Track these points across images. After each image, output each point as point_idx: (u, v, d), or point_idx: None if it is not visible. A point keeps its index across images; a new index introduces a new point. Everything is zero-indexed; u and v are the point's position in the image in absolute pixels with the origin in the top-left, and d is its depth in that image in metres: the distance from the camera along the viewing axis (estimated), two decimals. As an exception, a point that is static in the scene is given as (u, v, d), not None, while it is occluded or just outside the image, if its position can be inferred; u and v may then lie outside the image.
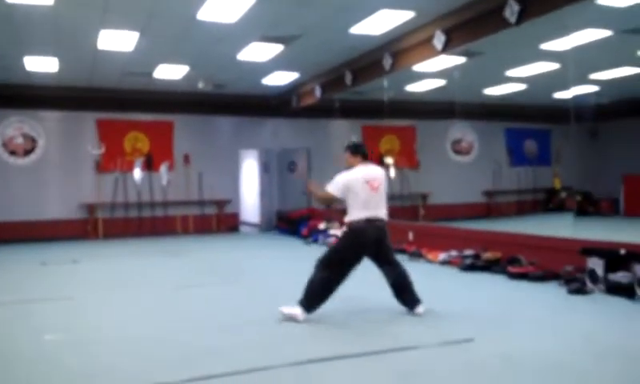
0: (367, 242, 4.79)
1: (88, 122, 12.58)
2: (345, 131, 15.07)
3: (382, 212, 4.87)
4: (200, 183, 13.52)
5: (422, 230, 9.55)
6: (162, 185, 13.01)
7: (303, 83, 12.30)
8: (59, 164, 12.33)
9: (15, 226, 11.75)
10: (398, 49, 8.96)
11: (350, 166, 4.98)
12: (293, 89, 12.84)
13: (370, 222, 4.76)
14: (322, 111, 13.64)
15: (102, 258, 9.51)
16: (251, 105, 13.87)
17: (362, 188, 4.78)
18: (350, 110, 13.89)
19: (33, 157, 12.12)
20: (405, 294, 4.96)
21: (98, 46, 8.82)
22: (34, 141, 12.14)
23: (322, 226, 11.27)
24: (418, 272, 7.24)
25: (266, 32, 8.49)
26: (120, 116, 12.81)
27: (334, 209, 13.63)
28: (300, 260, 8.90)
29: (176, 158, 13.34)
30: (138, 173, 12.77)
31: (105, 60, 9.78)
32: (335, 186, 4.86)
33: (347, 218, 4.85)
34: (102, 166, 12.61)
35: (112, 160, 12.70)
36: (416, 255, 8.32)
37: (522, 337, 4.23)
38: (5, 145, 11.90)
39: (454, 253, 7.79)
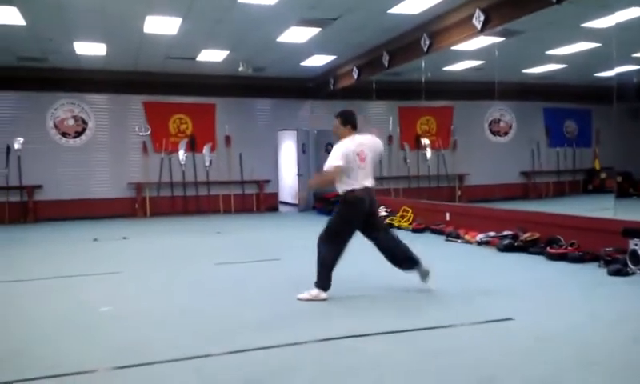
0: (363, 211, 4.90)
1: (135, 104, 13.09)
2: (382, 112, 15.17)
3: (370, 181, 4.99)
4: (241, 164, 13.90)
5: (460, 211, 9.63)
6: (205, 165, 13.46)
7: (340, 65, 12.42)
8: (108, 145, 12.91)
9: (68, 204, 12.42)
10: (436, 29, 8.97)
11: (338, 135, 5.01)
12: (330, 71, 12.98)
13: (364, 191, 4.88)
14: (359, 93, 13.69)
15: (149, 235, 9.99)
16: (289, 87, 14.11)
17: (354, 159, 4.87)
18: (387, 91, 13.91)
19: (83, 138, 12.74)
20: (399, 254, 5.09)
21: (144, 31, 9.17)
22: (84, 122, 12.74)
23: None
24: (455, 252, 7.43)
25: (304, 14, 8.64)
26: (165, 99, 13.26)
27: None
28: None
29: (218, 140, 13.76)
30: (182, 153, 13.25)
31: (150, 44, 10.15)
32: (335, 158, 4.84)
33: (342, 189, 4.90)
34: (148, 147, 13.13)
35: (158, 141, 13.21)
36: (453, 236, 8.43)
37: (560, 317, 4.24)
38: (57, 127, 12.52)
39: (491, 233, 7.84)
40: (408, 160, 15.11)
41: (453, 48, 9.76)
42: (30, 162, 12.06)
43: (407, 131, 15.34)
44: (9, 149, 11.87)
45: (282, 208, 14.80)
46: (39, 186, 12.26)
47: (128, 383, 3.21)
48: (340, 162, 4.80)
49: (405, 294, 5.09)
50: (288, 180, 15.45)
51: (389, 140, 15.13)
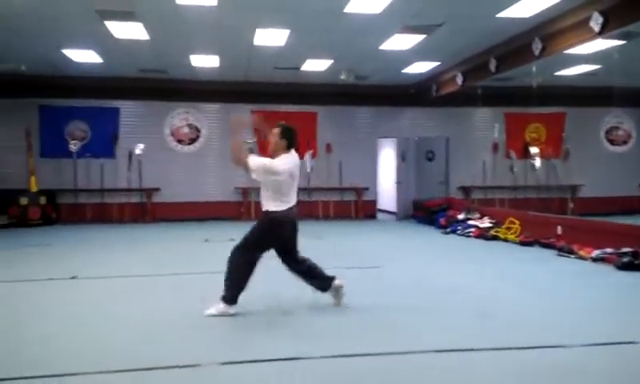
0: (284, 233, 4.73)
1: (243, 113, 13.69)
2: (487, 119, 14.68)
3: (295, 201, 4.82)
4: (340, 171, 14.10)
5: (573, 224, 9.03)
6: (306, 172, 13.81)
7: (444, 71, 12.19)
8: (218, 151, 13.66)
9: (182, 206, 13.34)
10: (549, 32, 8.54)
11: (273, 145, 4.73)
12: (432, 77, 12.79)
13: (290, 212, 4.71)
14: (463, 99, 13.40)
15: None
16: (390, 94, 14.09)
17: (292, 176, 4.68)
18: (493, 98, 13.46)
19: (196, 145, 13.62)
20: (317, 275, 4.92)
21: (254, 43, 9.63)
22: (197, 130, 13.63)
23: (461, 216, 11.15)
24: (568, 269, 7.01)
25: (408, 22, 8.61)
26: (270, 107, 13.78)
27: (472, 200, 13.36)
28: (438, 249, 9.01)
29: (319, 147, 14.07)
30: (284, 160, 13.67)
31: (259, 56, 10.63)
32: (259, 164, 4.58)
33: (272, 206, 4.65)
34: (254, 154, 13.68)
35: (263, 148, 13.67)
36: (566, 251, 7.93)
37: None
38: (173, 134, 13.50)
39: (608, 250, 7.30)
40: (515, 169, 14.46)
41: (565, 52, 9.24)
42: (149, 166, 13.11)
43: (514, 139, 14.70)
44: (131, 154, 12.98)
45: (379, 216, 14.79)
46: (157, 189, 13.29)
47: (228, 379, 3.39)
48: (255, 169, 4.55)
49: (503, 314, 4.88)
50: (387, 188, 15.40)
51: (493, 148, 14.60)
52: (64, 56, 10.46)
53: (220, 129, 13.69)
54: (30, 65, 11.20)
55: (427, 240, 10.18)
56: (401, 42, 9.64)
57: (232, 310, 4.63)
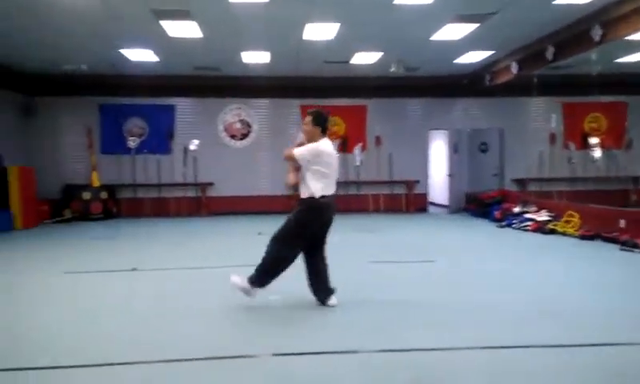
0: (324, 220, 4.63)
1: (293, 107, 13.88)
2: (543, 109, 14.20)
3: (334, 190, 4.72)
4: (390, 164, 14.00)
5: (637, 217, 8.61)
6: (356, 165, 13.80)
7: (497, 60, 11.87)
8: (269, 146, 13.86)
9: (234, 199, 13.63)
10: (610, 18, 8.15)
11: (307, 134, 4.69)
12: (486, 67, 12.47)
13: (331, 199, 4.63)
14: (517, 89, 13.00)
15: (305, 231, 10.51)
16: (441, 85, 13.85)
17: (329, 163, 4.60)
18: (549, 87, 12.98)
19: (248, 140, 13.87)
20: (323, 284, 4.77)
21: (304, 37, 9.69)
22: (249, 126, 13.87)
23: (516, 209, 10.85)
24: (633, 264, 6.69)
25: (461, 11, 8.43)
26: (320, 101, 13.82)
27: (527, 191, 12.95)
28: (493, 243, 8.82)
29: (368, 140, 14.02)
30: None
31: (308, 50, 10.69)
32: (306, 149, 4.56)
33: (309, 192, 4.57)
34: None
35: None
36: (630, 245, 7.59)
37: None
38: (226, 129, 13.79)
39: (677, 243, 6.94)
40: (573, 160, 13.92)
41: (627, 38, 8.80)
42: (204, 161, 13.46)
43: (572, 129, 14.14)
44: (186, 150, 13.36)
45: (431, 209, 14.60)
46: (211, 183, 13.63)
47: (285, 368, 3.45)
48: (304, 156, 4.53)
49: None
50: (438, 181, 15.18)
51: (550, 139, 14.11)
52: (122, 56, 10.87)
53: (270, 123, 13.88)
54: (91, 65, 11.71)
55: (481, 233, 9.96)
56: (453, 31, 9.45)
57: (255, 294, 4.67)
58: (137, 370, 3.40)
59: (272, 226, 9.73)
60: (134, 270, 6.56)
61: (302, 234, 4.62)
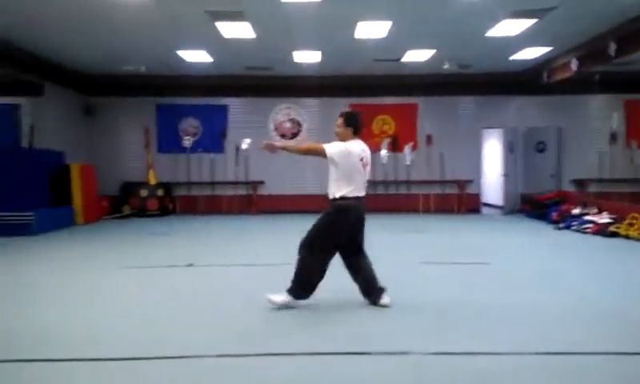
0: (352, 222, 4.55)
1: (342, 106, 13.81)
2: (604, 107, 13.63)
3: (364, 192, 4.63)
4: (441, 163, 13.77)
5: None
6: (406, 164, 13.65)
7: (556, 57, 11.45)
8: (317, 145, 13.91)
9: (284, 198, 13.77)
10: (682, 9, 7.72)
11: (338, 135, 4.65)
12: (543, 63, 12.06)
13: (358, 200, 4.52)
14: (577, 86, 12.54)
15: (355, 230, 10.47)
16: (496, 83, 13.50)
17: (357, 163, 4.51)
18: (611, 83, 12.45)
19: (298, 139, 13.96)
20: (370, 285, 4.68)
21: (355, 36, 9.66)
22: (299, 125, 13.97)
23: (576, 210, 10.43)
24: None
25: (518, 6, 8.20)
26: (369, 100, 13.79)
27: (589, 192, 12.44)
28: (552, 245, 8.51)
29: (419, 139, 13.84)
30: (384, 153, 13.63)
31: (359, 49, 10.65)
32: (336, 148, 4.50)
33: (337, 193, 4.51)
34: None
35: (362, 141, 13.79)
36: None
37: None
38: (276, 128, 13.95)
39: None
40: (636, 160, 13.27)
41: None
42: (255, 160, 13.65)
43: (636, 128, 13.47)
44: (238, 149, 13.60)
45: (484, 210, 14.26)
46: (261, 182, 13.82)
47: (333, 367, 3.44)
48: (335, 154, 4.47)
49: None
50: (492, 181, 14.80)
51: (611, 138, 13.50)
52: (179, 57, 11.18)
53: (319, 123, 13.93)
54: (149, 66, 12.11)
55: (538, 235, 9.64)
56: (509, 27, 9.19)
57: (294, 303, 4.59)
58: (188, 363, 3.47)
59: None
60: (190, 265, 6.74)
61: (331, 236, 4.57)
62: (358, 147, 4.56)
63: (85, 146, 13.34)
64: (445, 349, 3.64)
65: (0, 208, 9.55)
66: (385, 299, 4.68)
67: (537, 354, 3.55)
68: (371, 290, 4.73)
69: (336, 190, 4.53)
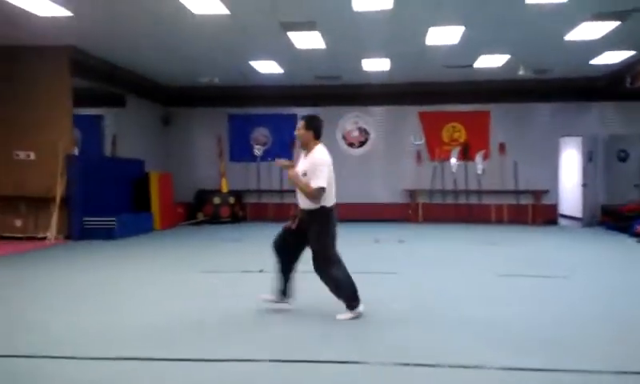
0: (335, 221, 4.55)
1: (411, 114, 13.75)
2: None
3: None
4: (515, 172, 13.30)
5: None
6: (477, 173, 13.30)
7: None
8: (385, 153, 13.86)
9: (351, 207, 13.74)
10: None
11: (300, 140, 4.57)
12: (626, 68, 11.39)
13: (335, 207, 4.54)
14: (664, 91, 11.73)
15: (424, 240, 10.32)
16: (574, 88, 12.92)
17: (331, 173, 4.47)
18: None
19: (365, 148, 13.98)
20: (288, 289, 4.78)
21: (426, 43, 9.56)
22: (366, 133, 13.97)
23: (664, 223, 9.75)
24: None
25: (600, 8, 7.81)
26: (439, 107, 13.57)
27: None
28: (633, 261, 7.99)
29: (491, 147, 13.45)
30: (454, 161, 13.36)
31: (429, 56, 10.52)
32: (324, 179, 4.36)
33: (319, 204, 4.40)
34: (422, 155, 13.65)
35: (431, 149, 13.62)
36: None
37: None
38: (344, 137, 14.02)
39: None
40: None
41: None
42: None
43: None
44: (306, 157, 13.76)
45: (561, 221, 13.61)
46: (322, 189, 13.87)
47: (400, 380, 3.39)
48: (325, 185, 4.37)
49: None
50: (570, 191, 14.12)
51: None
52: (251, 67, 11.51)
53: (386, 131, 13.88)
54: (222, 77, 12.54)
55: (620, 249, 9.09)
56: (590, 30, 8.78)
57: (360, 307, 4.58)
58: (244, 366, 3.54)
59: (387, 233, 9.74)
60: (261, 271, 6.88)
61: (332, 239, 4.56)
62: (326, 153, 4.53)
63: (162, 154, 14.00)
64: (526, 364, 3.50)
65: (86, 213, 10.18)
66: (265, 295, 4.85)
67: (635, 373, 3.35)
68: (285, 291, 4.78)
69: (319, 202, 4.47)
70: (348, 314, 4.57)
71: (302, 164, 4.59)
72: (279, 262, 4.80)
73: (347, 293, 4.55)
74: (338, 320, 4.55)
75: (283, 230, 4.76)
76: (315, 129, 4.55)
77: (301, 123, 4.61)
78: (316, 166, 4.40)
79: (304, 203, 4.51)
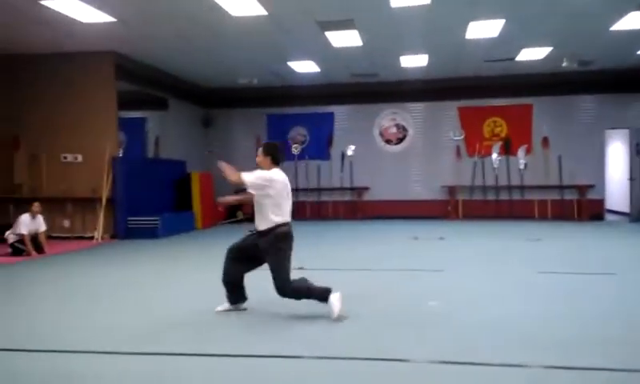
0: (292, 240, 4.69)
1: (450, 110, 13.56)
2: None
3: (290, 219, 4.70)
4: (559, 167, 12.94)
5: None
6: (519, 168, 13.01)
7: (694, 48, 10.34)
8: (423, 150, 13.73)
9: (389, 204, 13.72)
10: None
11: (260, 166, 4.69)
12: (678, 56, 10.94)
13: (290, 226, 4.64)
14: None
15: (465, 237, 10.16)
16: (621, 80, 12.49)
17: (284, 190, 4.60)
18: None
19: (404, 144, 13.88)
20: (241, 294, 4.93)
21: (466, 37, 9.41)
22: (404, 130, 13.88)
23: None
24: None
25: (649, -5, 7.53)
26: (479, 102, 13.34)
27: None
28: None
29: (534, 141, 13.13)
30: (495, 157, 13.11)
31: (468, 50, 10.36)
32: (252, 177, 4.51)
33: (271, 222, 4.55)
34: (462, 151, 13.45)
35: (471, 145, 13.40)
36: None
37: None
38: (382, 134, 13.96)
39: None
40: None
41: None
42: (360, 166, 13.76)
43: None
44: (343, 155, 13.78)
45: (608, 216, 13.17)
46: (367, 188, 13.88)
47: (446, 379, 3.35)
48: (248, 180, 4.50)
49: None
50: (617, 185, 13.65)
51: None
52: (289, 68, 11.60)
53: (425, 127, 13.75)
54: (260, 78, 12.69)
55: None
56: (637, 20, 8.46)
57: (335, 298, 4.57)
58: (242, 361, 3.57)
59: (426, 230, 9.68)
60: (300, 268, 6.92)
61: (288, 259, 4.70)
62: (280, 174, 4.67)
63: (202, 154, 14.26)
64: (570, 363, 3.41)
65: (130, 213, 10.49)
66: (225, 306, 4.90)
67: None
68: (237, 293, 4.92)
69: (269, 219, 4.60)
70: (335, 306, 4.55)
71: None
72: (231, 271, 4.94)
73: (317, 293, 4.65)
74: (346, 317, 4.57)
75: (243, 241, 4.95)
76: (272, 155, 4.76)
77: (259, 150, 4.84)
78: (256, 171, 4.66)
79: (259, 223, 4.67)
